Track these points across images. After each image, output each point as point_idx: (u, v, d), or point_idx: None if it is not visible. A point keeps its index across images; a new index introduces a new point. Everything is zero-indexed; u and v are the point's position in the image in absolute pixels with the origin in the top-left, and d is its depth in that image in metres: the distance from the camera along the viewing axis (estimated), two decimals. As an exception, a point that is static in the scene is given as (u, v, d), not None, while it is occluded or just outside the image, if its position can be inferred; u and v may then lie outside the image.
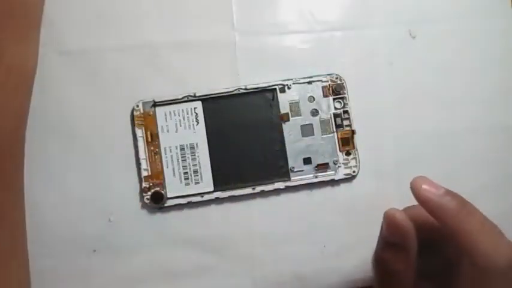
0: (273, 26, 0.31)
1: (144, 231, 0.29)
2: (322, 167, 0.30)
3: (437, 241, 0.25)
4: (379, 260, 0.24)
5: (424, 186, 0.22)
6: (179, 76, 0.30)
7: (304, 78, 0.30)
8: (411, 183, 0.23)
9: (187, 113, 0.29)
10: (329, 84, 0.30)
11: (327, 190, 0.30)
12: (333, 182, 0.30)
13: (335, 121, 0.30)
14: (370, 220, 0.29)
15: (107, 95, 0.29)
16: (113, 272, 0.29)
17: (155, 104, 0.29)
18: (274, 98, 0.30)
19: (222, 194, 0.29)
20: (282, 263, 0.29)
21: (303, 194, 0.30)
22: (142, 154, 0.29)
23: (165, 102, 0.29)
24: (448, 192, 0.22)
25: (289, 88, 0.30)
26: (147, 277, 0.29)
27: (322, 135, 0.30)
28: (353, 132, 0.30)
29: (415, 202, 0.25)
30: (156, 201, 0.29)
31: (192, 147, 0.29)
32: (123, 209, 0.29)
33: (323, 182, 0.29)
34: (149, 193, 0.29)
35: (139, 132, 0.29)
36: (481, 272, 0.21)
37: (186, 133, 0.29)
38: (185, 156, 0.29)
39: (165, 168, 0.29)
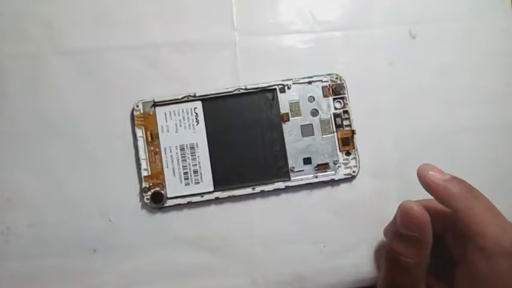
0: (273, 26, 0.31)
1: (144, 231, 0.29)
2: (322, 167, 0.30)
3: (441, 235, 0.25)
4: (390, 252, 0.24)
5: (431, 172, 0.23)
6: (179, 76, 0.30)
7: (304, 78, 0.30)
8: (418, 170, 0.24)
9: (187, 113, 0.29)
10: (329, 84, 0.30)
11: (327, 190, 0.30)
12: (333, 182, 0.30)
13: (335, 121, 0.30)
14: (370, 220, 0.29)
15: (107, 95, 0.29)
16: (113, 272, 0.29)
17: (155, 104, 0.29)
18: (274, 98, 0.30)
19: (222, 194, 0.29)
20: (282, 263, 0.29)
21: (302, 194, 0.30)
22: (143, 154, 0.29)
23: (165, 102, 0.29)
24: (454, 178, 0.23)
25: (289, 88, 0.30)
26: (147, 277, 0.29)
27: (322, 135, 0.30)
28: (353, 132, 0.30)
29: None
30: (156, 201, 0.29)
31: (192, 147, 0.29)
32: (123, 209, 0.29)
33: (323, 182, 0.29)
34: (149, 193, 0.29)
35: (139, 132, 0.29)
36: (487, 255, 0.21)
37: (186, 133, 0.29)
38: (185, 156, 0.29)
39: (165, 168, 0.29)
